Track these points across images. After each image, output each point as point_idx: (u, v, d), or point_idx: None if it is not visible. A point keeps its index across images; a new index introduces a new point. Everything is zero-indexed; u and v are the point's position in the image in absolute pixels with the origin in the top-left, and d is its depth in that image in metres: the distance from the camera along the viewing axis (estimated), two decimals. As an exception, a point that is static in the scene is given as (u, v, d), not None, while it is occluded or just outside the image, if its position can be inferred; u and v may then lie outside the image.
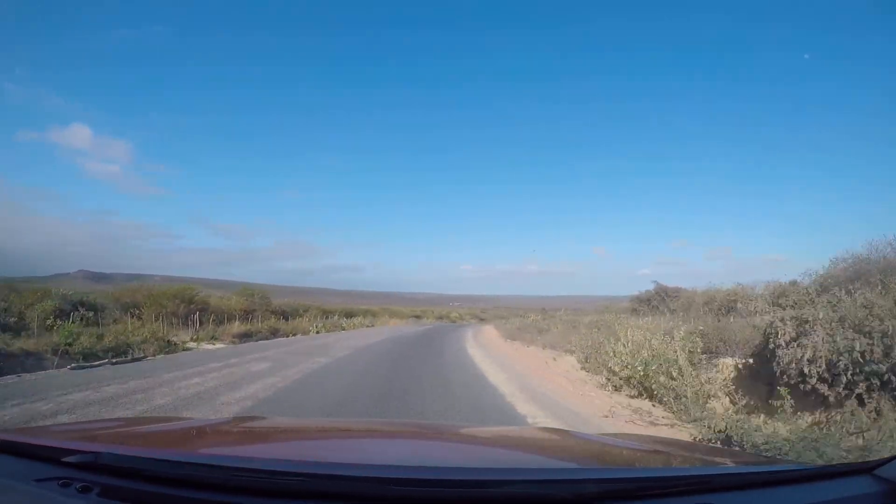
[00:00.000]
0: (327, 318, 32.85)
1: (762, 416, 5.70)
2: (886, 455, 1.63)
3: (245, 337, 18.92)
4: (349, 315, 41.31)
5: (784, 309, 7.99)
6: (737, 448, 4.00)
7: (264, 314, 26.14)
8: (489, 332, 29.30)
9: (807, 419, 5.44)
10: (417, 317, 60.58)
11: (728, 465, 1.66)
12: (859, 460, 2.75)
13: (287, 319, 26.98)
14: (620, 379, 8.04)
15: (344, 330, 30.38)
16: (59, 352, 10.69)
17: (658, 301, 29.64)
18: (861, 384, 5.17)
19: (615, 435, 2.69)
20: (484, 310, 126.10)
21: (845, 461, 3.28)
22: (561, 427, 4.13)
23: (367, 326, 36.31)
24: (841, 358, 5.32)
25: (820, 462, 3.30)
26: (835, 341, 5.47)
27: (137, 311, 20.70)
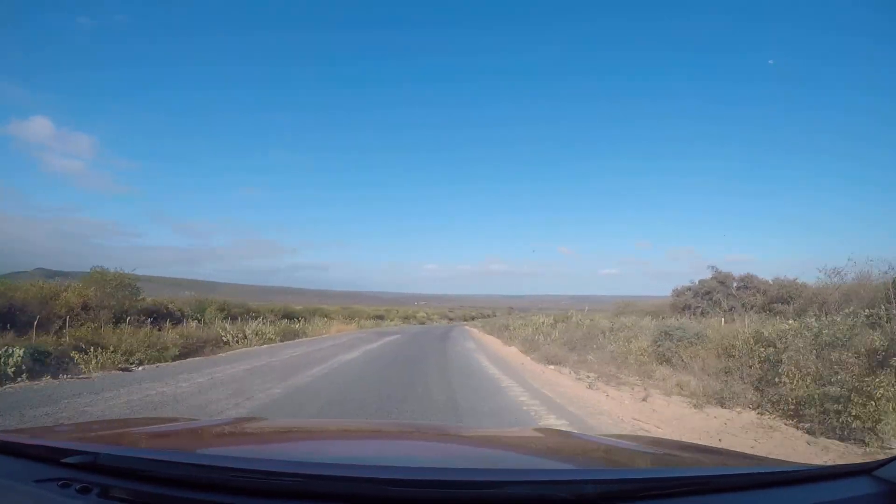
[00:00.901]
0: (243, 320, 21.85)
1: None
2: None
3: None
4: (289, 316, 30.43)
5: None
6: (736, 449, 3.79)
7: (124, 312, 15.21)
8: (494, 344, 18.93)
9: None
10: (380, 317, 49.84)
11: (728, 465, 1.57)
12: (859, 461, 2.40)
13: (162, 323, 16.11)
14: None
15: (227, 348, 15.36)
16: None
17: (721, 294, 20.68)
18: None
19: (616, 436, 2.64)
20: (451, 309, 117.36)
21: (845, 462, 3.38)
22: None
23: (278, 340, 19.07)
24: None
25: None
26: None
27: None
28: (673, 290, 21.67)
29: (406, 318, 58.03)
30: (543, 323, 20.27)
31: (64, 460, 1.18)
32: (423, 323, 59.13)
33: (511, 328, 21.11)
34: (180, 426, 2.13)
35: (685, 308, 19.51)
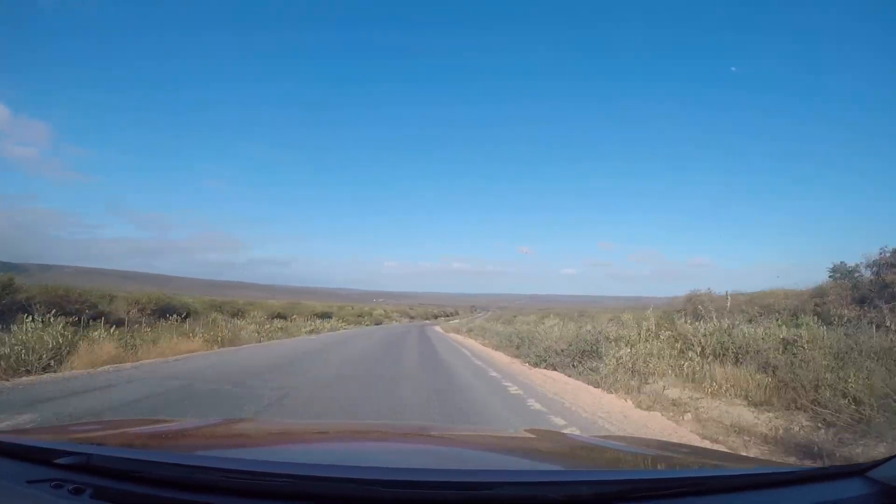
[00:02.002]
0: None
1: None
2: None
3: None
4: (166, 312, 18.98)
5: None
6: (730, 451, 3.67)
7: None
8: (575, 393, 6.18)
9: None
10: (326, 316, 38.48)
11: (721, 467, 1.51)
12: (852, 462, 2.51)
13: None
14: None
15: None
16: None
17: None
18: None
19: (610, 437, 2.63)
20: (412, 307, 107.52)
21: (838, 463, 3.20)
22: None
23: None
24: None
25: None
26: None
27: None
28: (830, 269, 11.96)
29: (360, 317, 46.64)
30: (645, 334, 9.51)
31: (56, 461, 1.14)
32: (379, 323, 47.99)
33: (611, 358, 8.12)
34: (174, 427, 2.05)
35: (864, 302, 10.00)
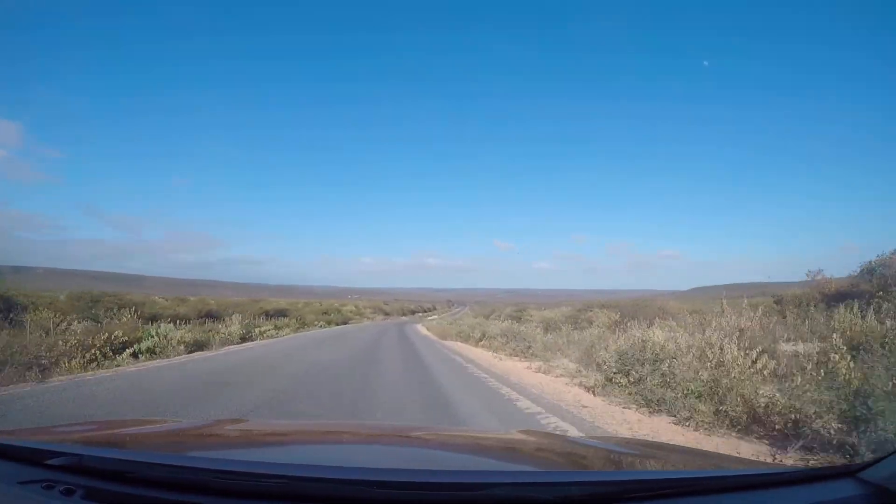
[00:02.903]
0: None
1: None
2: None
3: None
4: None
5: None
6: (722, 452, 3.64)
7: None
8: None
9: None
10: (281, 314, 30.11)
11: (712, 468, 1.47)
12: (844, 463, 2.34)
13: None
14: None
15: None
16: None
17: None
18: None
19: (602, 438, 2.49)
20: (387, 302, 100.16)
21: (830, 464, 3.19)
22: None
23: None
24: None
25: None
26: None
27: None
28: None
29: (325, 314, 38.36)
30: None
31: (48, 462, 1.11)
32: (346, 322, 39.81)
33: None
34: (165, 427, 2.01)
35: None
